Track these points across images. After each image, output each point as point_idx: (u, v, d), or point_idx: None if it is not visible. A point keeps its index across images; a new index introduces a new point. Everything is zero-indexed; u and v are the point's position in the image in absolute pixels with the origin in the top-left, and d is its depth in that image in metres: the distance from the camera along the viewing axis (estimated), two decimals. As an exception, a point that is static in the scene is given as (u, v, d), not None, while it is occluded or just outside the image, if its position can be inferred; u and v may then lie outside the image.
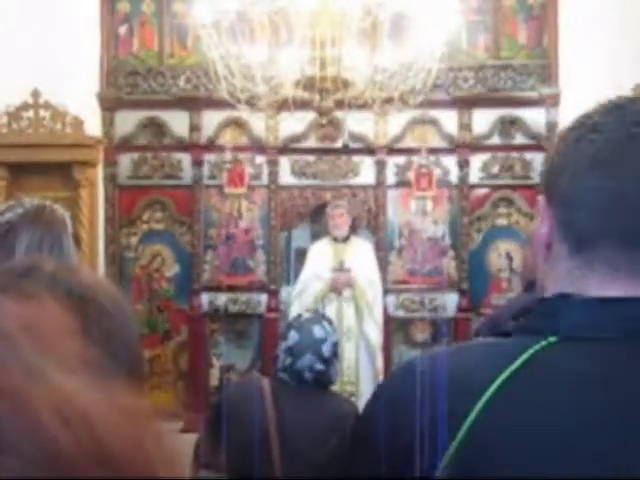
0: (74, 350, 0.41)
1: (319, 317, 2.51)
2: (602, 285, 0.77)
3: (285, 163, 6.21)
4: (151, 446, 0.38)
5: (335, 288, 5.34)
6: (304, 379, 2.35)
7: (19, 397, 0.34)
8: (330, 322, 2.50)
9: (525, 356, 0.73)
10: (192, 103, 6.10)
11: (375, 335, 5.43)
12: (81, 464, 0.33)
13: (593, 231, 0.77)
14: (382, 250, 6.07)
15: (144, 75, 6.19)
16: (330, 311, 5.42)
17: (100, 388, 0.37)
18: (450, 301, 6.17)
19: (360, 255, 5.48)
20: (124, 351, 0.62)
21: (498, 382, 0.72)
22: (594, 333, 0.74)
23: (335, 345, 2.42)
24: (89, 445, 0.34)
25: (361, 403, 5.35)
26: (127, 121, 6.17)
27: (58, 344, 0.41)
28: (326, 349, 2.37)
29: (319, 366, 2.35)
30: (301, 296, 5.46)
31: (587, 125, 0.79)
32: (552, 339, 0.75)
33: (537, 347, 0.74)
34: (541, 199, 0.84)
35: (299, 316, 2.53)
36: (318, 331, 2.39)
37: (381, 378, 5.39)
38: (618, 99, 0.82)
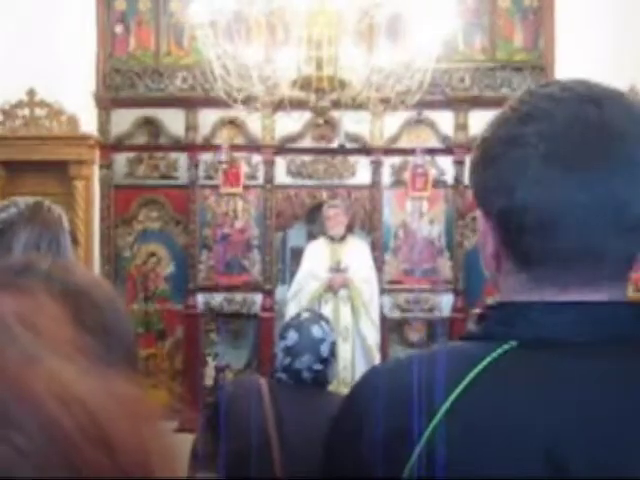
0: (69, 340, 0.42)
1: (317, 317, 2.50)
2: (556, 295, 0.77)
3: (281, 163, 6.22)
4: (147, 435, 0.38)
5: (331, 287, 5.34)
6: (302, 379, 2.34)
7: (20, 380, 0.34)
8: (328, 322, 2.50)
9: (485, 363, 0.74)
10: (188, 102, 6.10)
11: (372, 335, 5.43)
12: (82, 445, 0.34)
13: (538, 251, 0.76)
14: (377, 250, 6.08)
15: (140, 74, 6.18)
16: (326, 311, 5.42)
17: (97, 376, 0.38)
18: (445, 301, 6.18)
19: (356, 255, 5.49)
20: (119, 348, 0.62)
21: (459, 389, 0.73)
22: (549, 337, 0.75)
23: (333, 345, 2.42)
24: (90, 429, 0.34)
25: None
26: (123, 120, 6.16)
27: (54, 335, 0.42)
28: (324, 349, 2.37)
29: (317, 366, 2.35)
30: (297, 296, 5.46)
31: (515, 134, 0.77)
32: (510, 345, 0.75)
33: (495, 354, 0.74)
34: (479, 213, 0.82)
35: (298, 316, 2.53)
36: (317, 331, 2.38)
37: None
38: (530, 98, 0.79)
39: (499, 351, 0.75)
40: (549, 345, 0.74)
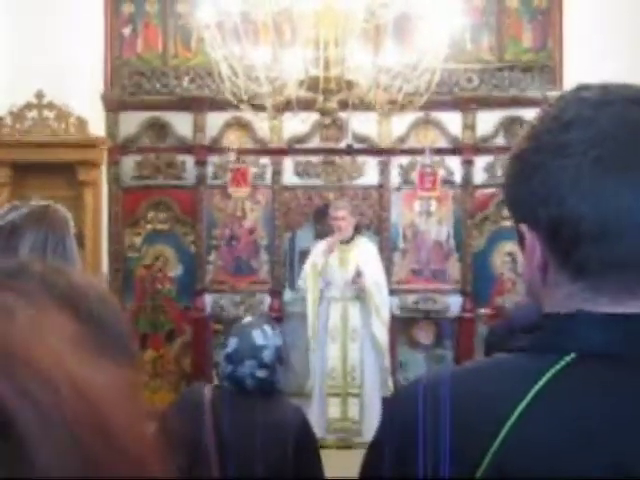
0: (69, 333, 0.43)
1: (260, 321, 2.41)
2: (614, 304, 0.75)
3: (289, 164, 6.21)
4: (142, 424, 0.40)
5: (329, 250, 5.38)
6: (246, 387, 2.27)
7: (29, 353, 0.36)
8: (273, 327, 2.39)
9: (545, 379, 0.73)
10: (196, 104, 6.10)
11: (383, 335, 5.43)
12: (82, 423, 0.35)
13: (597, 260, 0.74)
14: (386, 251, 6.06)
15: (148, 76, 6.19)
16: (335, 312, 5.43)
17: (96, 364, 0.39)
18: (454, 302, 6.15)
19: (364, 255, 5.48)
20: (116, 349, 0.61)
21: (520, 408, 0.72)
22: (610, 350, 0.73)
23: (278, 350, 2.32)
24: (89, 412, 0.36)
25: (365, 402, 5.35)
26: (131, 122, 6.17)
27: (53, 327, 0.43)
28: (267, 355, 2.28)
29: (260, 373, 2.27)
30: (304, 293, 5.50)
31: (560, 142, 0.75)
32: (569, 358, 0.73)
33: (556, 368, 0.73)
34: (523, 227, 0.79)
35: (240, 321, 2.44)
36: (258, 336, 2.29)
37: (390, 381, 5.42)
38: (575, 105, 0.77)
39: (562, 364, 0.73)
40: (609, 356, 0.73)
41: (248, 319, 2.43)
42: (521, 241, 0.81)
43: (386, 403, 0.87)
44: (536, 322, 0.81)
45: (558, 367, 0.73)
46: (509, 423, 0.71)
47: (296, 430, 2.28)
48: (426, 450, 0.74)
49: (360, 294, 5.36)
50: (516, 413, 0.71)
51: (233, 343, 2.31)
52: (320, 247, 5.49)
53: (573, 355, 0.74)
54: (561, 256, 0.77)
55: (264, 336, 2.31)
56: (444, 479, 0.73)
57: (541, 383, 0.73)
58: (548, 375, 0.73)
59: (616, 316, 0.74)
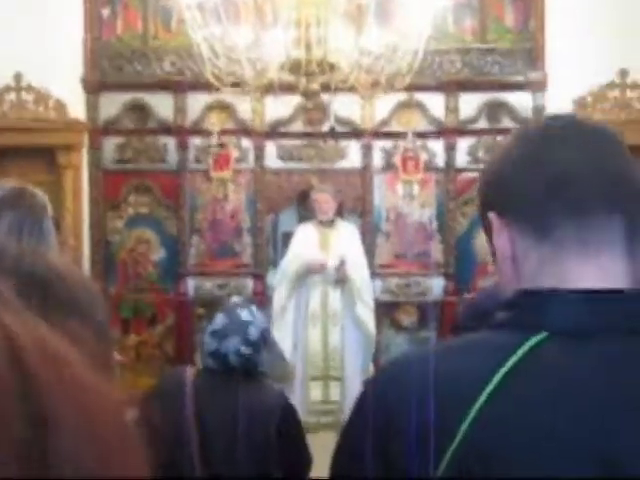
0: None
1: (247, 302, 2.44)
2: (579, 267, 0.78)
3: (271, 147, 6.18)
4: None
5: (314, 270, 5.32)
6: (230, 364, 2.27)
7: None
8: (259, 308, 2.43)
9: (519, 354, 0.74)
10: (177, 86, 6.05)
11: (369, 319, 5.42)
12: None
13: (560, 216, 0.78)
14: (369, 234, 6.07)
15: (128, 57, 6.12)
16: (315, 296, 5.43)
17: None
18: (436, 285, 6.18)
19: (346, 239, 5.48)
20: (93, 329, 0.61)
21: (494, 382, 0.73)
22: (581, 328, 0.75)
23: (264, 331, 2.35)
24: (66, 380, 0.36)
25: (347, 386, 5.37)
26: (111, 104, 6.10)
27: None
28: (253, 332, 2.30)
29: (245, 350, 2.27)
30: (282, 282, 5.45)
31: (526, 128, 0.87)
32: (542, 335, 0.75)
33: (529, 344, 0.74)
34: (492, 216, 0.84)
35: (227, 300, 2.46)
36: (245, 314, 2.32)
37: (372, 365, 5.43)
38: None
39: (533, 341, 0.74)
40: (580, 334, 0.74)
41: (235, 299, 2.45)
42: (487, 231, 0.86)
43: (369, 383, 0.87)
44: (509, 301, 0.83)
45: (529, 345, 0.74)
46: (480, 400, 0.72)
47: (279, 413, 2.29)
48: (415, 429, 0.74)
49: (343, 281, 5.34)
50: (487, 390, 0.72)
51: (219, 319, 2.32)
52: (306, 255, 5.38)
53: (544, 333, 0.75)
54: (530, 225, 0.81)
55: (251, 314, 2.33)
56: (429, 459, 0.73)
57: (513, 360, 0.73)
58: (520, 353, 0.74)
59: (586, 293, 0.76)
